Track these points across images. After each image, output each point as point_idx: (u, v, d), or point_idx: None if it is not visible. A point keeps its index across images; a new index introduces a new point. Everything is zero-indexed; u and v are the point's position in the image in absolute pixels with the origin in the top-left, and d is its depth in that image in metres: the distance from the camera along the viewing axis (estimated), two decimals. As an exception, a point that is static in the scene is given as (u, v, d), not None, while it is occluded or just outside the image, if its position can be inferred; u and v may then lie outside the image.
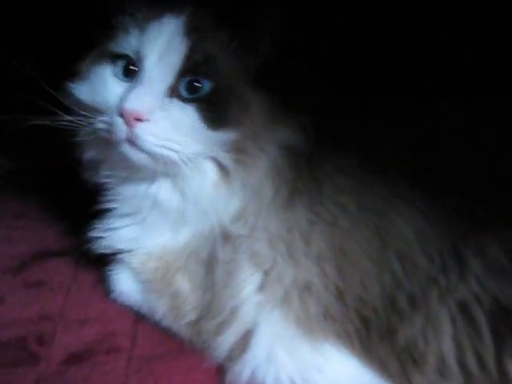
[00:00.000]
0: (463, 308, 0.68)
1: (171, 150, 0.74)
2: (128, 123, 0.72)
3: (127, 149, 0.75)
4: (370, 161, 0.79)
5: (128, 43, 0.77)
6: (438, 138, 0.81)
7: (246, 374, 0.76)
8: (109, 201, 0.89)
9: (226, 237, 0.79)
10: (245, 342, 0.77)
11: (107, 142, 0.78)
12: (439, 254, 0.70)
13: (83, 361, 0.85)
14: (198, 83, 0.75)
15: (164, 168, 0.76)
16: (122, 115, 0.73)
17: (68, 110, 0.81)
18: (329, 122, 0.83)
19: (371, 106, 0.86)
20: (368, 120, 0.85)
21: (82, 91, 0.81)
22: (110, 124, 0.75)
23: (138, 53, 0.76)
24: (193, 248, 0.83)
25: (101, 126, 0.77)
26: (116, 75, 0.79)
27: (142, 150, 0.74)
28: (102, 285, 1.00)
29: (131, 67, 0.78)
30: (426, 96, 0.87)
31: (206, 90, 0.75)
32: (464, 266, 0.69)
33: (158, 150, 0.74)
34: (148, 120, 0.73)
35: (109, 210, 0.90)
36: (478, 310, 0.68)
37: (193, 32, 0.75)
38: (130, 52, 0.77)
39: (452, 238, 0.71)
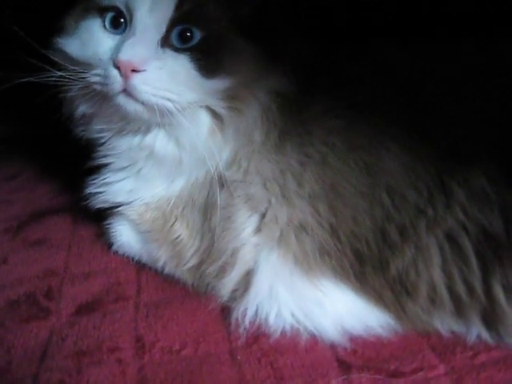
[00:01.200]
0: (450, 237, 0.72)
1: (167, 99, 0.75)
2: (124, 74, 0.73)
3: (123, 100, 0.76)
4: (359, 102, 0.80)
5: None
6: (424, 77, 0.82)
7: (249, 312, 0.80)
8: (103, 156, 0.91)
9: (222, 183, 0.81)
10: (246, 281, 0.81)
11: (101, 95, 0.79)
12: (426, 186, 0.73)
13: (93, 311, 0.88)
14: (190, 33, 0.75)
15: (159, 118, 0.77)
16: (117, 67, 0.73)
17: (57, 66, 0.81)
18: (318, 65, 0.84)
19: (359, 50, 0.88)
20: (356, 62, 0.86)
21: (71, 46, 0.81)
22: (105, 76, 0.75)
23: (127, 4, 0.75)
24: (188, 196, 0.86)
25: (95, 79, 0.77)
26: (105, 27, 0.79)
27: (138, 101, 0.75)
28: (102, 238, 1.03)
29: (120, 19, 0.77)
30: (410, 37, 0.88)
31: (197, 38, 0.75)
32: (450, 197, 0.72)
33: (154, 100, 0.74)
34: (144, 70, 0.73)
35: (103, 165, 0.92)
36: (464, 239, 0.71)
37: None
38: (118, 3, 0.76)
39: (439, 172, 0.73)
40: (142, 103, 0.75)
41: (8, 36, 0.83)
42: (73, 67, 0.79)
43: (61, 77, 0.80)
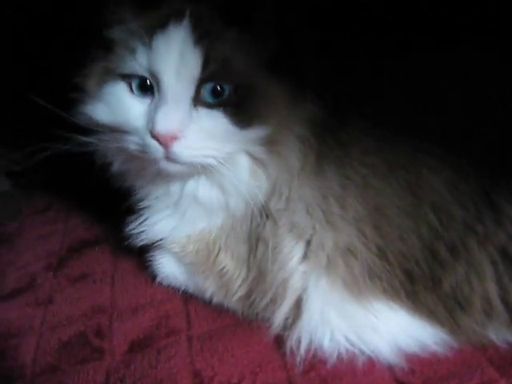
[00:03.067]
0: (503, 252, 0.72)
1: (208, 156, 0.75)
2: (164, 144, 0.73)
3: (165, 165, 0.76)
4: (390, 119, 0.80)
5: (137, 62, 0.75)
6: (454, 88, 0.82)
7: (303, 339, 0.80)
8: (140, 200, 0.91)
9: (266, 213, 0.81)
10: (297, 309, 0.81)
11: (141, 158, 0.80)
12: (473, 202, 0.73)
13: (146, 347, 0.89)
14: (220, 87, 0.75)
15: (201, 171, 0.78)
16: (155, 137, 0.74)
17: (83, 131, 0.82)
18: (343, 84, 0.84)
19: (380, 63, 0.86)
20: (380, 78, 0.85)
21: (98, 112, 0.80)
22: (143, 145, 0.76)
23: (151, 71, 0.74)
24: (230, 227, 0.86)
25: (133, 147, 0.77)
26: (132, 92, 0.78)
27: (181, 163, 0.76)
28: (145, 270, 1.03)
29: (147, 83, 0.76)
30: (433, 44, 0.87)
31: (227, 91, 0.75)
32: (499, 213, 0.72)
33: (196, 160, 0.75)
34: (183, 136, 0.73)
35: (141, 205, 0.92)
36: None
37: (202, 38, 0.74)
38: (142, 71, 0.75)
39: (483, 187, 0.73)
40: (184, 164, 0.76)
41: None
42: (102, 132, 0.80)
43: (89, 142, 0.81)
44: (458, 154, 0.75)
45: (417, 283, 0.76)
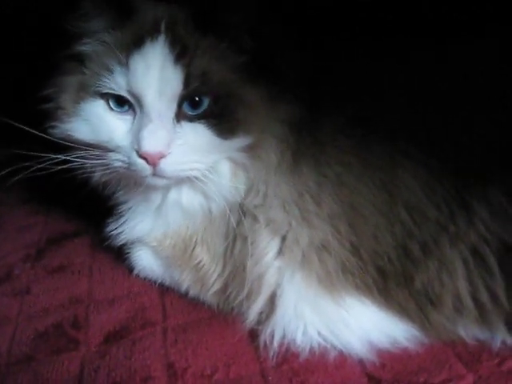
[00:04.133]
0: (474, 251, 0.73)
1: (194, 169, 0.77)
2: (151, 162, 0.75)
3: (152, 180, 0.78)
4: (368, 118, 0.81)
5: (114, 82, 0.76)
6: (435, 88, 0.82)
7: (277, 333, 0.81)
8: (120, 204, 0.93)
9: (244, 210, 0.82)
10: (271, 304, 0.82)
11: (124, 173, 0.81)
12: (446, 203, 0.74)
13: (121, 338, 0.90)
14: (199, 98, 0.76)
15: (185, 181, 0.81)
16: (142, 157, 0.75)
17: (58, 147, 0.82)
18: (322, 83, 0.85)
19: (366, 64, 0.87)
20: (361, 78, 0.86)
21: (79, 130, 0.80)
22: (130, 163, 0.77)
23: (131, 91, 0.75)
24: (208, 224, 0.87)
25: (118, 164, 0.79)
26: (111, 109, 0.78)
27: (168, 178, 0.78)
28: (123, 262, 1.04)
29: (123, 99, 0.77)
30: (409, 43, 0.88)
31: (207, 103, 0.76)
32: (471, 213, 0.73)
33: (183, 174, 0.77)
34: (169, 153, 0.75)
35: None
36: (487, 251, 0.73)
37: (181, 54, 0.74)
38: (120, 91, 0.76)
39: (456, 188, 0.74)
40: (171, 179, 0.78)
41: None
42: (84, 149, 0.81)
43: (67, 160, 0.81)
44: (433, 155, 0.76)
45: (389, 280, 0.78)
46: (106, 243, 0.97)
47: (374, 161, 0.79)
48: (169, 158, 0.75)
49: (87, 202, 0.98)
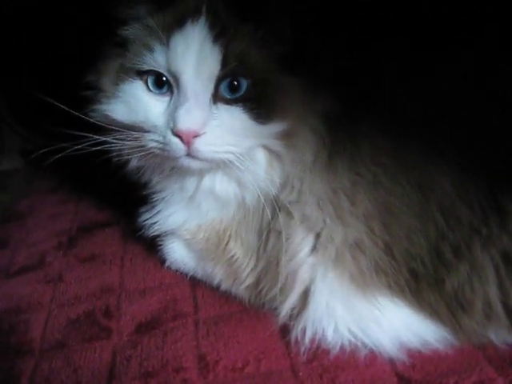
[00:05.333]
0: (505, 256, 0.73)
1: (228, 152, 0.77)
2: (186, 141, 0.75)
3: (187, 161, 0.78)
4: (404, 119, 0.81)
5: (155, 61, 0.77)
6: (465, 90, 0.82)
7: (308, 329, 0.82)
8: (154, 192, 0.93)
9: (278, 205, 0.83)
10: (304, 300, 0.83)
11: (159, 155, 0.81)
12: (479, 205, 0.74)
13: (153, 329, 0.91)
14: (237, 82, 0.76)
15: (220, 166, 0.81)
16: (177, 135, 0.75)
17: (97, 130, 0.83)
18: (360, 81, 0.85)
19: (392, 62, 0.87)
20: (393, 76, 0.86)
21: (117, 111, 0.81)
22: (165, 143, 0.77)
23: (169, 69, 0.76)
24: (242, 218, 0.88)
25: (153, 144, 0.79)
26: (149, 90, 0.79)
27: (202, 159, 0.78)
28: (154, 253, 1.05)
29: (163, 78, 0.78)
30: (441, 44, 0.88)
31: (244, 86, 0.76)
32: (504, 215, 0.73)
33: (217, 156, 0.77)
34: (204, 133, 0.75)
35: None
36: None
37: (220, 35, 0.75)
38: (160, 69, 0.76)
39: (490, 189, 0.74)
40: (206, 161, 0.78)
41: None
42: (121, 131, 0.81)
43: (105, 141, 0.82)
44: (468, 157, 0.76)
45: (421, 282, 0.78)
46: (138, 234, 0.98)
47: (410, 162, 0.79)
48: (203, 138, 0.75)
49: (119, 191, 0.99)
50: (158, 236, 0.99)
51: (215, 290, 0.95)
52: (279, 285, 0.83)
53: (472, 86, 0.83)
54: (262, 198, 0.82)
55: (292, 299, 0.83)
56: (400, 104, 0.83)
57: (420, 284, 0.78)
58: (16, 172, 1.40)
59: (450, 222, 0.76)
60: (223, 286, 0.93)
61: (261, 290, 0.87)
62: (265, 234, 0.85)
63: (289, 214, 0.83)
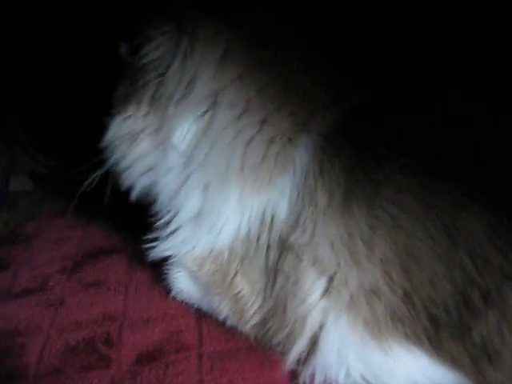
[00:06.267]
0: None
1: None
2: None
3: None
4: (429, 158, 0.78)
5: None
6: (495, 128, 0.80)
7: (317, 375, 0.78)
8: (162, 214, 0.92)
9: (287, 246, 0.80)
10: (313, 345, 0.78)
11: None
12: (511, 248, 0.70)
13: (155, 361, 0.87)
14: None
15: None
16: None
17: None
18: (376, 117, 0.83)
19: (416, 100, 0.85)
20: (417, 115, 0.84)
21: None
22: None
23: None
24: (244, 251, 0.85)
25: None
26: None
27: None
28: (160, 282, 1.02)
29: None
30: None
31: None
32: None
33: None
34: None
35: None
36: None
37: None
38: None
39: None
40: None
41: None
42: None
43: None
44: (499, 198, 0.73)
45: (442, 330, 0.73)
46: (146, 261, 0.96)
47: (436, 203, 0.75)
48: None
49: (127, 217, 1.01)
50: (165, 264, 0.96)
51: (221, 323, 0.91)
52: (287, 329, 0.79)
53: (504, 125, 0.80)
54: (262, 231, 0.81)
55: (301, 344, 0.79)
56: (427, 143, 0.80)
57: (441, 333, 0.73)
58: (24, 194, 1.38)
59: (479, 266, 0.71)
60: (229, 322, 0.89)
61: (268, 331, 0.83)
62: (272, 274, 0.82)
63: (297, 256, 0.79)
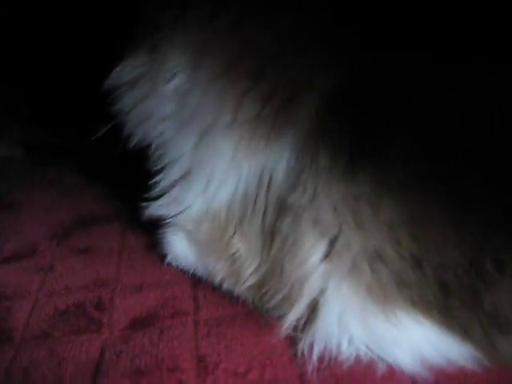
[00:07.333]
0: None
1: None
2: None
3: None
4: (437, 123, 0.74)
5: None
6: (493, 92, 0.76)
7: (317, 343, 0.74)
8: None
9: (286, 207, 0.77)
10: (312, 312, 0.75)
11: None
12: None
13: (148, 326, 0.83)
14: None
15: None
16: None
17: None
18: (384, 82, 0.79)
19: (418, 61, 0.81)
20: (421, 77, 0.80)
21: None
22: None
23: None
24: (242, 209, 0.82)
25: None
26: None
27: None
28: (154, 249, 0.98)
29: None
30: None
31: None
32: None
33: None
34: None
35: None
36: None
37: None
38: None
39: None
40: None
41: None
42: None
43: None
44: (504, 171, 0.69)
45: (452, 297, 0.69)
46: (139, 226, 0.96)
47: (447, 168, 0.71)
48: None
49: (121, 185, 1.00)
50: (160, 228, 0.94)
51: (217, 289, 0.88)
52: (284, 291, 0.76)
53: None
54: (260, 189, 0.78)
55: (298, 310, 0.75)
56: (431, 105, 0.76)
57: (450, 300, 0.69)
58: (13, 160, 1.34)
59: (489, 234, 0.68)
60: (225, 285, 0.86)
61: (265, 293, 0.79)
62: (269, 235, 0.79)
63: (296, 217, 0.75)
